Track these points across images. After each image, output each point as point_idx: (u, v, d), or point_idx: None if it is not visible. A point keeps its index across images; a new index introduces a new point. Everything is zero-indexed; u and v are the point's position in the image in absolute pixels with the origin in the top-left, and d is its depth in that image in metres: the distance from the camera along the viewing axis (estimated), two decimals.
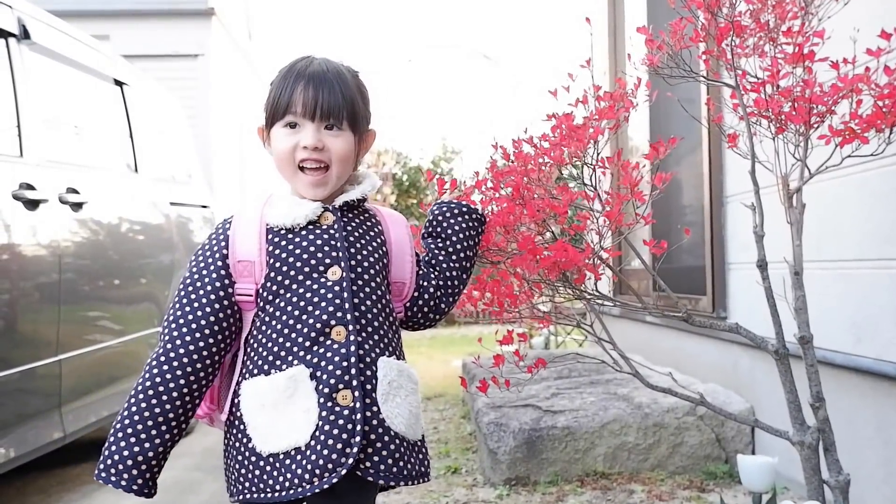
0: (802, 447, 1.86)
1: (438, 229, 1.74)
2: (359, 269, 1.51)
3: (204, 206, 5.15)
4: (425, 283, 1.68)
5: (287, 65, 1.58)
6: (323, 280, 1.48)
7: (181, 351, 1.47)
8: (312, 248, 1.50)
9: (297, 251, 1.49)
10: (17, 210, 2.86)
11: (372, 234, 1.59)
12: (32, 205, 2.94)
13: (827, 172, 1.86)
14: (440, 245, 1.73)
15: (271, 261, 1.49)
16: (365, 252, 1.54)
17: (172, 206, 4.49)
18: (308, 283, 1.48)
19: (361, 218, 1.60)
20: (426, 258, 1.73)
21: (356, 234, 1.56)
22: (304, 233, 1.51)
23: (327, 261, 1.49)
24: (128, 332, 3.75)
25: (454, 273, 1.71)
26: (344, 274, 1.48)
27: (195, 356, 1.47)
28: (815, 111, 1.76)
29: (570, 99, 2.02)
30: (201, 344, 1.48)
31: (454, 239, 1.72)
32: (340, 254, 1.50)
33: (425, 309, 1.69)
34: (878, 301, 2.44)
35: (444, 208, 1.75)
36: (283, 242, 1.50)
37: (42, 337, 3.02)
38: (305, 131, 1.51)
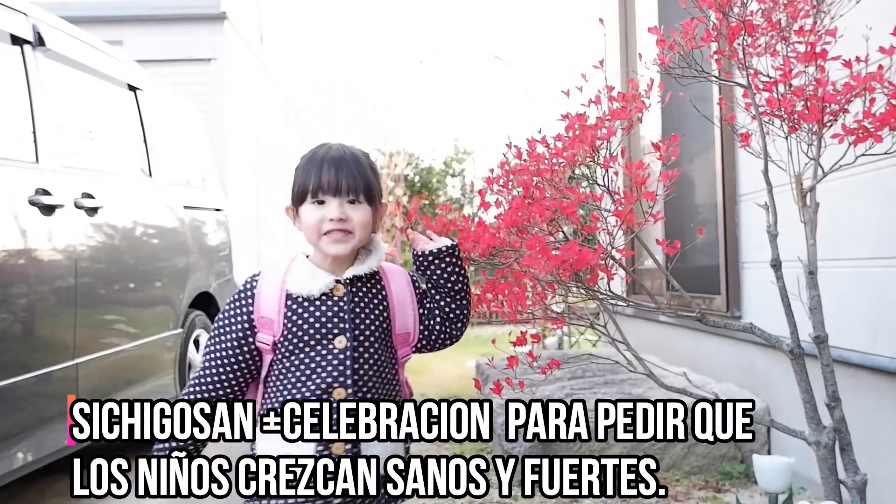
0: (819, 447, 1.86)
1: (428, 284, 1.89)
2: (361, 338, 1.74)
3: (218, 210, 5.17)
4: (431, 323, 1.88)
5: (309, 153, 1.80)
6: (330, 347, 1.72)
7: (212, 380, 1.77)
8: (324, 319, 1.73)
9: (311, 319, 1.73)
10: (33, 215, 2.88)
11: (376, 301, 1.80)
12: (48, 210, 2.97)
13: (840, 171, 1.86)
14: (433, 292, 1.89)
15: (288, 324, 1.73)
16: (368, 321, 1.76)
17: (187, 209, 4.52)
18: (318, 348, 1.72)
19: (368, 286, 1.80)
20: (427, 303, 1.89)
21: (362, 304, 1.77)
22: (317, 303, 1.74)
23: (335, 331, 1.73)
24: (144, 336, 3.77)
25: (454, 306, 1.88)
26: (348, 343, 1.72)
27: (220, 386, 1.77)
28: (828, 110, 1.76)
29: (582, 99, 2.02)
30: (224, 378, 1.77)
31: (441, 282, 1.87)
32: (347, 325, 1.73)
33: (438, 341, 1.90)
34: (893, 299, 2.43)
35: (419, 263, 1.89)
36: (300, 310, 1.74)
37: (59, 341, 3.05)
38: (331, 206, 1.73)
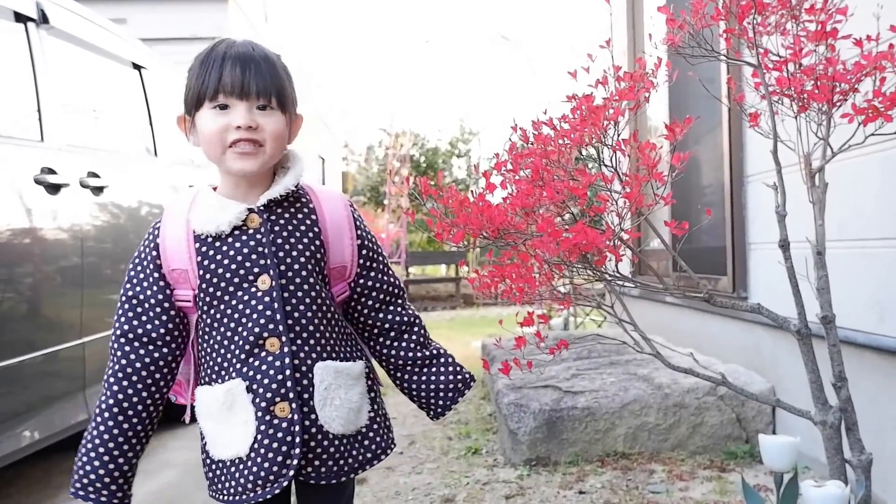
0: (825, 427, 1.86)
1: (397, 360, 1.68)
2: (289, 274, 1.47)
3: None
4: (360, 296, 1.64)
5: (207, 48, 1.50)
6: (253, 290, 1.45)
7: (137, 365, 1.49)
8: (240, 258, 1.46)
9: (226, 261, 1.46)
10: (39, 194, 2.88)
11: (303, 227, 1.52)
12: (54, 189, 2.97)
13: (850, 151, 1.85)
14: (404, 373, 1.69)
15: (202, 272, 1.47)
16: (295, 252, 1.49)
17: (191, 188, 4.50)
18: (239, 293, 1.46)
19: (291, 211, 1.53)
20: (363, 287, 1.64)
21: (285, 233, 1.50)
22: (230, 240, 1.47)
23: (256, 269, 1.46)
24: None
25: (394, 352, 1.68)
26: (274, 282, 1.45)
27: (152, 367, 1.50)
28: (837, 89, 1.74)
29: (589, 80, 2.01)
30: (156, 355, 1.50)
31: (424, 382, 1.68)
32: (269, 261, 1.46)
33: (358, 307, 1.65)
34: None
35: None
36: (211, 252, 1.47)
37: (66, 320, 3.06)
38: (237, 111, 1.44)
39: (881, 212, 2.50)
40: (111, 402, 1.48)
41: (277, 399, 1.43)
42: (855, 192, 2.61)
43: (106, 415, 1.48)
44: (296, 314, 1.46)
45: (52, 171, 2.96)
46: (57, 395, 2.98)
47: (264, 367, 1.43)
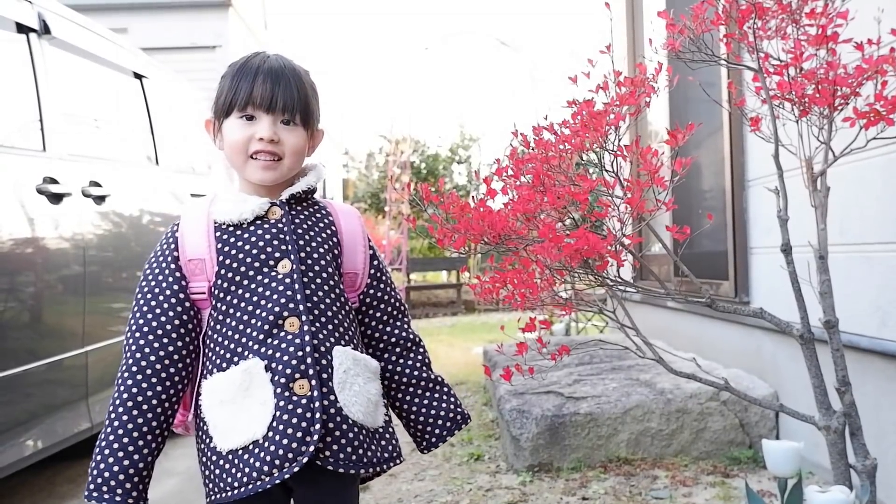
0: (828, 432, 1.85)
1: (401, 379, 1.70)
2: (309, 261, 1.53)
3: None
4: (369, 308, 1.68)
5: (241, 59, 1.58)
6: (273, 273, 1.49)
7: (152, 359, 1.48)
8: (261, 243, 1.51)
9: (247, 247, 1.51)
10: (41, 204, 2.88)
11: (321, 225, 1.60)
12: (56, 198, 2.97)
13: (851, 155, 1.85)
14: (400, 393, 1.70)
15: (221, 258, 1.51)
16: (314, 244, 1.55)
17: (193, 197, 4.51)
18: (259, 277, 1.49)
19: (310, 210, 1.61)
20: (375, 305, 1.68)
21: (305, 226, 1.57)
22: (252, 228, 1.53)
23: (277, 254, 1.51)
24: None
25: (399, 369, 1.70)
26: (294, 266, 1.50)
27: (167, 361, 1.49)
28: (839, 93, 1.74)
29: (590, 85, 2.01)
30: (171, 349, 1.49)
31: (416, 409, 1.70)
32: (289, 246, 1.52)
33: (370, 313, 1.68)
34: None
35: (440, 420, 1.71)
36: (232, 239, 1.52)
37: (68, 329, 3.06)
38: (262, 124, 1.52)
39: (883, 215, 2.50)
40: (125, 396, 1.46)
41: (297, 376, 1.43)
42: (857, 195, 2.60)
43: (120, 410, 1.45)
44: (315, 298, 1.50)
45: (54, 181, 2.96)
46: (60, 404, 2.98)
47: (283, 346, 1.45)
